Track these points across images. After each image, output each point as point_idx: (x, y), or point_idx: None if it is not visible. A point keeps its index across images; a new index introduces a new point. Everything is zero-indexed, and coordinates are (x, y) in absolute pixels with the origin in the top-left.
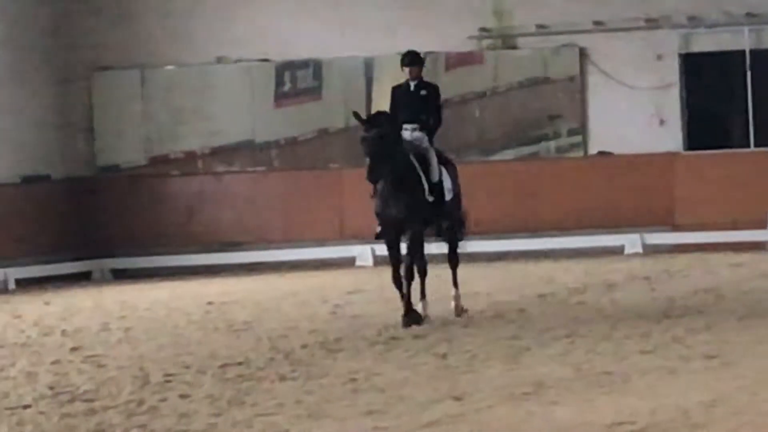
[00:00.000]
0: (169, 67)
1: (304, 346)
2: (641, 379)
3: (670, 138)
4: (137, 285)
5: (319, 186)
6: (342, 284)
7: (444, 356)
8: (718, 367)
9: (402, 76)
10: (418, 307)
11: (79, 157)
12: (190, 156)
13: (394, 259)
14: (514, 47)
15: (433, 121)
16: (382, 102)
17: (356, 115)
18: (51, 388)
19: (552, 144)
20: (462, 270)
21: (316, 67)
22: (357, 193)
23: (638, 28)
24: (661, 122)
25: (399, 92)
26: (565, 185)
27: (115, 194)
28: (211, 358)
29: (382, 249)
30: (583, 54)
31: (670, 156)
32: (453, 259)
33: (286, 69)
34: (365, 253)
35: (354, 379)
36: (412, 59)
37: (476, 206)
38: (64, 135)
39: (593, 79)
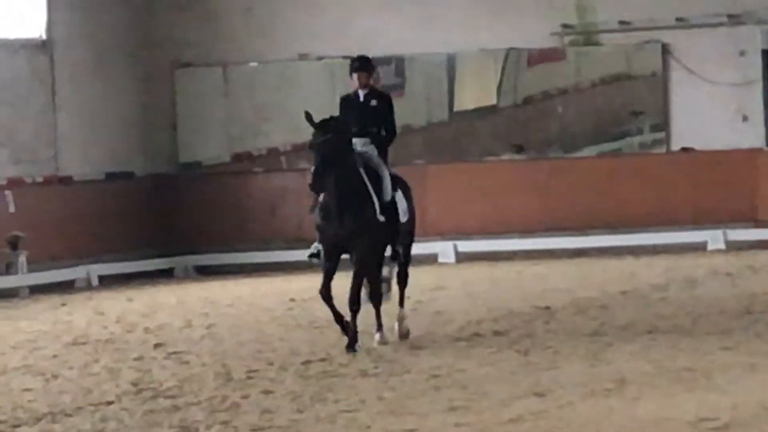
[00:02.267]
0: (252, 64)
1: (385, 343)
2: (723, 375)
3: (753, 134)
4: (220, 281)
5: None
6: (424, 281)
7: (526, 353)
8: None
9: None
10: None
11: (161, 154)
12: (273, 152)
13: (328, 271)
14: (597, 43)
15: (386, 133)
16: (465, 97)
17: (308, 117)
18: (134, 384)
19: (635, 140)
20: (542, 267)
21: (398, 63)
22: (440, 189)
23: (721, 24)
24: (744, 118)
25: (347, 103)
26: (647, 181)
27: (197, 191)
28: (294, 355)
29: (466, 245)
30: (665, 50)
31: (753, 152)
32: (403, 277)
33: None
34: (447, 250)
35: (436, 376)
36: (361, 65)
37: (559, 202)
38: (147, 132)
39: (676, 76)
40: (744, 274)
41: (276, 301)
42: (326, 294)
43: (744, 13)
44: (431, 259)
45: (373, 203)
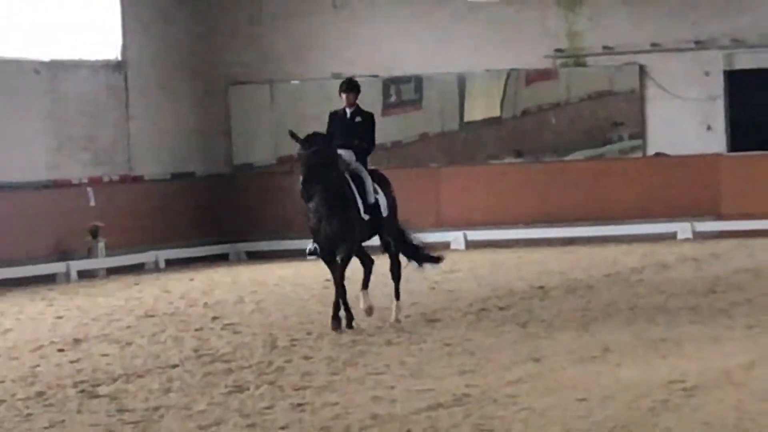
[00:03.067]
0: (294, 82)
1: (407, 317)
2: (691, 345)
3: (716, 142)
4: (267, 265)
5: (419, 181)
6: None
7: (525, 325)
8: (756, 335)
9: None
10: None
11: (218, 157)
12: None
13: (336, 273)
14: (584, 65)
15: (366, 145)
16: (473, 110)
17: (292, 134)
18: (195, 351)
19: (616, 146)
20: (539, 253)
21: (417, 81)
22: (452, 187)
23: (689, 49)
24: (708, 128)
25: (336, 118)
26: (627, 181)
27: (248, 188)
28: (330, 326)
29: (474, 234)
30: (642, 71)
31: (716, 157)
32: (395, 271)
33: (391, 83)
34: (459, 238)
35: (449, 344)
36: (349, 86)
37: (552, 199)
38: (206, 138)
39: (651, 92)
40: (708, 260)
41: (314, 282)
42: (343, 296)
43: (708, 39)
44: (445, 246)
45: (357, 204)
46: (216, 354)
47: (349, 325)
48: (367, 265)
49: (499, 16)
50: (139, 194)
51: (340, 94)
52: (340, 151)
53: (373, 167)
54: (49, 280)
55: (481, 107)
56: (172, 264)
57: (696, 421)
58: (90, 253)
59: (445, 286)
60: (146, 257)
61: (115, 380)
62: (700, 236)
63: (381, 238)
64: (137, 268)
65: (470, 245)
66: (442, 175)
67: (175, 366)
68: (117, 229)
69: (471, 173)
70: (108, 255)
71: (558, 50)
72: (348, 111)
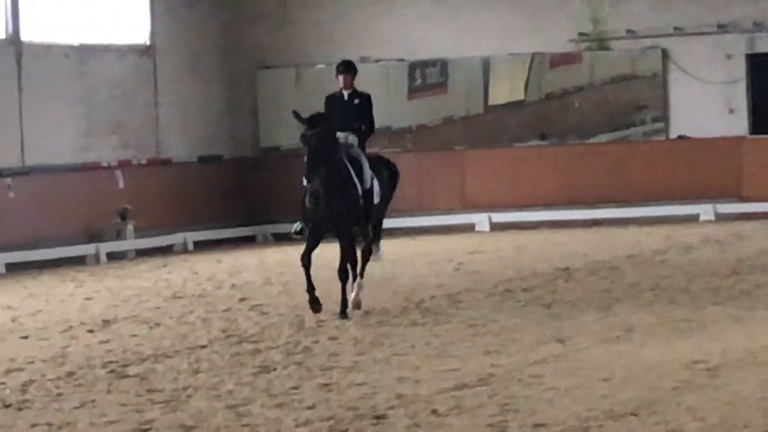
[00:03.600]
0: (320, 66)
1: (432, 297)
2: (714, 325)
3: (738, 124)
4: (294, 247)
5: (445, 164)
6: (464, 246)
7: (549, 306)
8: None
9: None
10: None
11: (245, 140)
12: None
13: (311, 244)
14: (607, 48)
15: (365, 128)
16: (498, 93)
17: (295, 114)
18: (223, 331)
19: (639, 129)
20: (562, 235)
21: (442, 65)
22: (477, 170)
23: (711, 33)
24: (731, 111)
25: (333, 101)
26: (649, 164)
27: (275, 171)
28: (355, 307)
29: (498, 216)
30: (665, 54)
31: (738, 139)
32: (366, 253)
33: (417, 67)
34: (483, 220)
35: (474, 325)
36: (345, 67)
37: (576, 181)
38: (233, 122)
39: (673, 76)
40: (731, 241)
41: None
42: (306, 261)
43: (731, 23)
44: (470, 228)
45: (357, 189)
46: (243, 335)
47: (343, 313)
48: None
49: (524, 0)
50: (168, 177)
51: (336, 77)
52: (339, 134)
53: (372, 150)
54: (78, 261)
55: (505, 91)
56: (200, 246)
57: (719, 400)
58: (119, 236)
59: (469, 268)
60: (174, 239)
61: (144, 360)
62: (722, 218)
63: (365, 223)
64: (166, 250)
65: (495, 227)
66: (466, 158)
67: (203, 346)
68: (146, 212)
69: (495, 156)
70: (137, 237)
71: (582, 34)
72: (345, 93)
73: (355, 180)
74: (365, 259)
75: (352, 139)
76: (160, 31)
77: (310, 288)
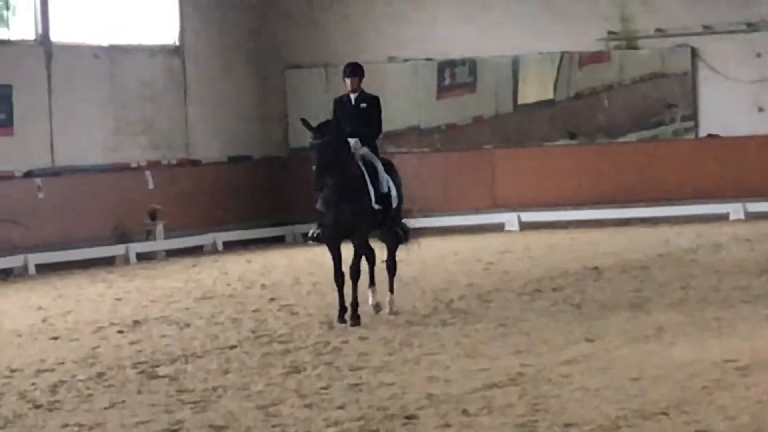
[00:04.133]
0: None
1: (461, 297)
2: (744, 324)
3: (767, 123)
4: (323, 247)
5: (474, 163)
6: (493, 245)
7: (578, 305)
8: None
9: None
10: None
11: (275, 140)
12: None
13: (336, 258)
14: (637, 47)
15: (370, 129)
16: (527, 92)
17: (304, 122)
18: (253, 331)
19: (669, 128)
20: (592, 234)
21: (471, 64)
22: (506, 169)
23: (741, 31)
24: (760, 110)
25: (340, 105)
26: (679, 162)
27: (305, 171)
28: (385, 307)
29: (528, 216)
30: (694, 53)
31: (767, 138)
32: (391, 265)
33: (446, 67)
34: (513, 219)
35: (503, 325)
36: (352, 70)
37: (605, 180)
38: (262, 122)
39: (703, 74)
40: (761, 239)
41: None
42: (339, 279)
43: (760, 21)
44: (499, 228)
45: (369, 194)
46: (273, 335)
47: (342, 318)
48: (370, 258)
49: None
50: (197, 177)
51: (343, 80)
52: (351, 140)
53: (400, 151)
54: (108, 262)
55: (534, 90)
56: (230, 246)
57: (750, 400)
58: (149, 236)
59: (499, 267)
60: (204, 239)
61: (174, 361)
62: (752, 217)
63: (392, 229)
64: (195, 251)
65: (524, 226)
66: (496, 157)
67: (233, 347)
68: (175, 212)
69: (525, 155)
70: (166, 237)
71: (611, 33)
72: (352, 97)
73: (369, 186)
74: (392, 270)
75: (356, 143)
76: (189, 31)
77: (353, 302)
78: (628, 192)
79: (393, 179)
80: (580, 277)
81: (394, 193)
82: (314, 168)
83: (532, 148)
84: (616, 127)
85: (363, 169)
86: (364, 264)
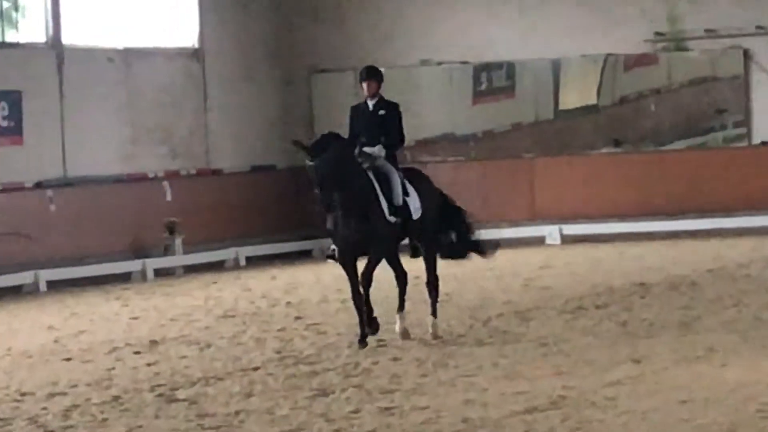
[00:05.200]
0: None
1: (499, 315)
2: None
3: None
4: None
5: (512, 173)
6: (533, 260)
7: (624, 324)
8: None
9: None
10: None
11: (300, 151)
12: None
13: (352, 279)
14: (686, 49)
15: (393, 141)
16: (569, 97)
17: (296, 143)
18: (277, 352)
19: (719, 135)
20: (639, 248)
21: (509, 68)
22: (547, 179)
23: None
24: None
25: (357, 112)
26: (731, 172)
27: None
28: (418, 326)
29: (570, 228)
30: (746, 55)
31: None
32: (430, 281)
33: (482, 70)
34: (554, 232)
35: (544, 344)
36: (368, 73)
37: (652, 190)
38: (287, 129)
39: (756, 77)
40: None
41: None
42: (357, 299)
43: None
44: (539, 241)
45: (381, 206)
46: (300, 356)
47: (370, 334)
48: (401, 280)
49: None
50: (218, 188)
51: (360, 84)
52: (367, 149)
53: (408, 165)
54: (124, 278)
55: (576, 94)
56: (253, 261)
57: None
58: (167, 251)
59: (539, 283)
60: (226, 254)
61: (194, 384)
62: None
63: (410, 242)
64: (216, 266)
65: (566, 240)
66: (536, 167)
67: (256, 368)
68: (195, 225)
69: (566, 164)
70: (185, 252)
71: (658, 34)
72: (370, 103)
73: (381, 198)
74: (434, 291)
75: (378, 149)
76: (209, 34)
77: (368, 323)
78: (676, 203)
79: (419, 188)
80: (626, 294)
81: (416, 204)
82: (316, 190)
83: (574, 156)
84: (663, 134)
85: (374, 180)
86: (378, 274)
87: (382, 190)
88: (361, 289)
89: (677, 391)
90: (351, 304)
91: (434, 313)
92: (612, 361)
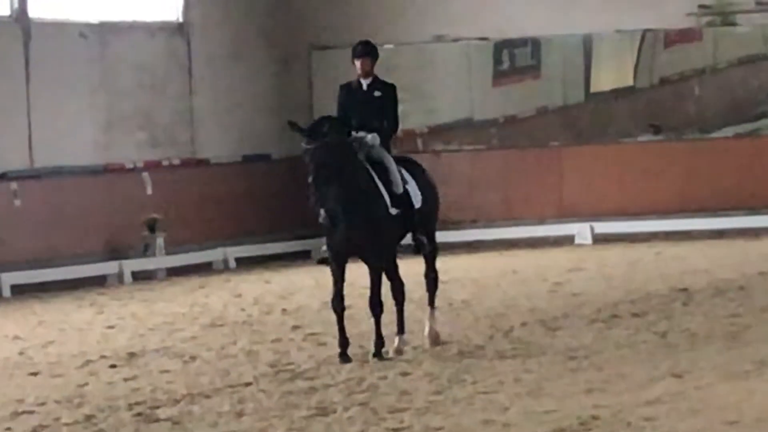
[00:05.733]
0: (387, 46)
1: (523, 324)
2: None
3: None
4: (357, 264)
5: (538, 164)
6: (561, 262)
7: (664, 334)
8: None
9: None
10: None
11: (297, 137)
12: (409, 134)
13: (338, 280)
14: (734, 24)
15: (387, 125)
16: (602, 78)
17: (291, 124)
18: (272, 366)
19: None
20: (680, 248)
21: (534, 45)
22: (576, 171)
23: None
24: None
25: (348, 92)
26: None
27: None
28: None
29: (602, 226)
30: None
31: None
32: (430, 275)
33: (504, 47)
34: (584, 231)
35: (573, 357)
36: (363, 49)
37: (696, 183)
38: (283, 114)
39: None
40: None
41: (412, 283)
42: (339, 305)
43: None
44: (568, 241)
45: (383, 198)
46: (297, 370)
47: (378, 353)
48: (399, 296)
49: None
50: (205, 181)
51: (352, 61)
52: (360, 134)
53: (400, 154)
54: (98, 282)
55: (610, 75)
56: (244, 263)
57: None
58: (147, 251)
59: (568, 288)
60: (213, 255)
61: (177, 402)
62: None
63: (413, 237)
64: (203, 268)
65: (598, 239)
66: (564, 156)
67: (248, 384)
68: (178, 222)
69: (599, 153)
70: (168, 253)
71: (702, 6)
72: (364, 83)
73: (382, 188)
74: (433, 283)
75: (372, 138)
76: (195, 6)
77: (343, 337)
78: (723, 198)
79: (415, 177)
80: (666, 301)
81: (414, 191)
82: (310, 179)
83: (607, 145)
84: (708, 120)
85: (371, 170)
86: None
87: (381, 180)
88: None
89: (724, 410)
90: (355, 311)
91: (432, 304)
92: (650, 376)
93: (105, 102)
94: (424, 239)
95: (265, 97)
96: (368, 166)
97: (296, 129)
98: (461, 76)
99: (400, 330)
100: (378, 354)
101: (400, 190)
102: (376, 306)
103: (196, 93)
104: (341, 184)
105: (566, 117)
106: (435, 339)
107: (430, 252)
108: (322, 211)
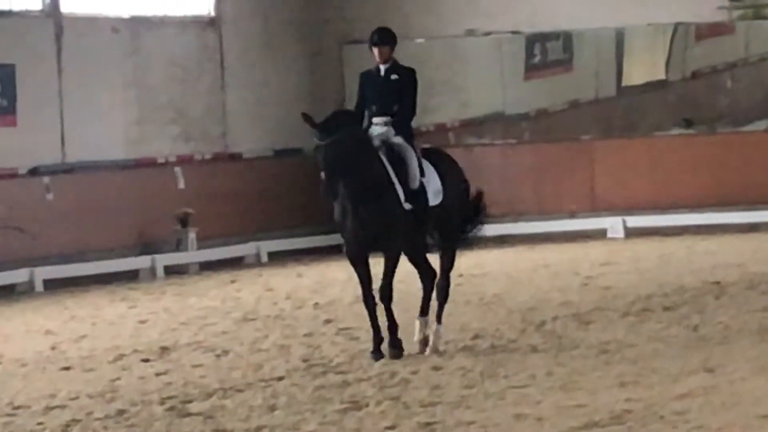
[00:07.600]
0: (419, 40)
1: (555, 318)
2: None
3: None
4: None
5: (570, 158)
6: (593, 256)
7: (696, 328)
8: None
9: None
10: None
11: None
12: (441, 128)
13: (364, 277)
14: (765, 17)
15: (403, 111)
16: (634, 71)
17: (305, 117)
18: (304, 360)
19: None
20: (713, 242)
21: (566, 38)
22: (608, 164)
23: None
24: None
25: (368, 78)
26: None
27: None
28: (463, 331)
29: (635, 220)
30: None
31: None
32: (441, 283)
33: (536, 41)
34: (617, 224)
35: (606, 351)
36: (381, 37)
37: (729, 177)
38: (316, 108)
39: None
40: None
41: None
42: (370, 303)
43: None
44: (600, 235)
45: (396, 192)
46: (329, 364)
47: (378, 351)
48: (426, 279)
49: None
50: (237, 175)
51: (370, 49)
52: (375, 125)
53: (427, 145)
54: (130, 277)
55: (642, 68)
56: (276, 257)
57: None
58: (179, 245)
59: (600, 282)
60: (245, 249)
61: (209, 396)
62: None
63: (430, 233)
64: (235, 263)
65: (630, 233)
66: (596, 150)
67: (280, 378)
68: (210, 217)
69: (631, 147)
70: (200, 247)
71: (734, 0)
72: (382, 68)
73: (395, 183)
74: (443, 294)
75: (386, 132)
76: (227, 0)
77: (377, 335)
78: (756, 191)
79: (441, 171)
80: (699, 294)
81: (436, 187)
82: (322, 175)
83: (639, 138)
84: (741, 114)
85: (387, 165)
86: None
87: (397, 174)
88: (378, 300)
89: (756, 404)
90: (414, 297)
91: (439, 320)
92: (683, 370)
93: (137, 96)
94: (432, 240)
95: (297, 91)
96: (384, 159)
97: (309, 123)
98: (493, 70)
99: (423, 312)
100: (376, 352)
101: (416, 185)
102: (385, 297)
103: (227, 87)
104: (353, 179)
105: (598, 111)
106: (435, 350)
107: (445, 255)
108: (335, 207)
